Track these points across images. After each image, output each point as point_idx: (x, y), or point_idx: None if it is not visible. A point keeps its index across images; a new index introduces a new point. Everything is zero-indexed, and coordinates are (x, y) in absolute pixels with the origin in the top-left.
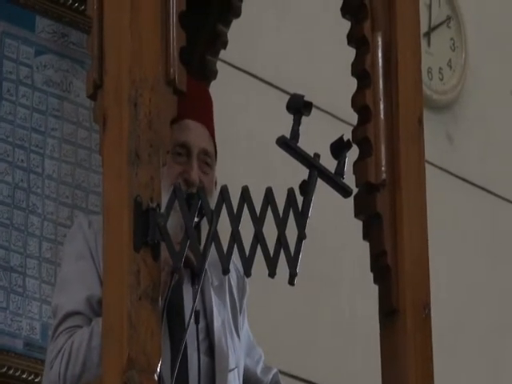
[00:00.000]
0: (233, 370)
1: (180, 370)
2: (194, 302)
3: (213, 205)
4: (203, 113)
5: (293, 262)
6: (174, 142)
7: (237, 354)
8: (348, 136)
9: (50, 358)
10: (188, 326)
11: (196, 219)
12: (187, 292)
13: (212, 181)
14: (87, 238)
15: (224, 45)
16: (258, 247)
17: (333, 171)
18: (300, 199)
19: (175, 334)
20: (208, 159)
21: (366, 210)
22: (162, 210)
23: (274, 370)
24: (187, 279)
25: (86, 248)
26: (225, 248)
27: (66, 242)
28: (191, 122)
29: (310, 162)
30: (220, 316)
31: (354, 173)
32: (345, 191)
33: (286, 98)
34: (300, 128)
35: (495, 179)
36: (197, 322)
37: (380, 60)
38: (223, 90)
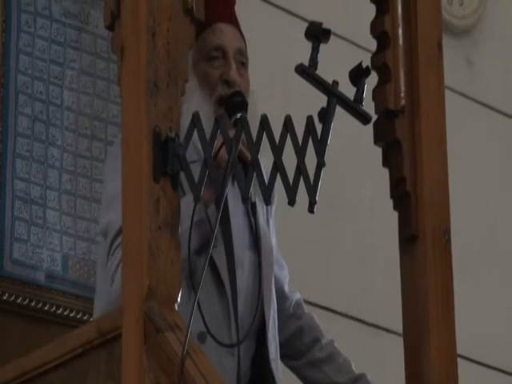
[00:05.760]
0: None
1: (229, 262)
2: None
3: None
4: (230, 13)
5: (312, 189)
6: (208, 46)
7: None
8: (367, 63)
9: (110, 273)
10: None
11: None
12: (232, 190)
13: (248, 82)
14: None
15: None
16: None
17: (352, 98)
18: (319, 127)
19: (226, 231)
20: (243, 59)
21: (385, 137)
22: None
23: (298, 294)
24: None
25: None
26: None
27: (108, 159)
28: (222, 25)
29: (329, 89)
30: (262, 214)
31: (373, 99)
32: (364, 118)
33: (305, 25)
34: (318, 55)
35: None
36: (254, 212)
37: None
38: (241, 18)
